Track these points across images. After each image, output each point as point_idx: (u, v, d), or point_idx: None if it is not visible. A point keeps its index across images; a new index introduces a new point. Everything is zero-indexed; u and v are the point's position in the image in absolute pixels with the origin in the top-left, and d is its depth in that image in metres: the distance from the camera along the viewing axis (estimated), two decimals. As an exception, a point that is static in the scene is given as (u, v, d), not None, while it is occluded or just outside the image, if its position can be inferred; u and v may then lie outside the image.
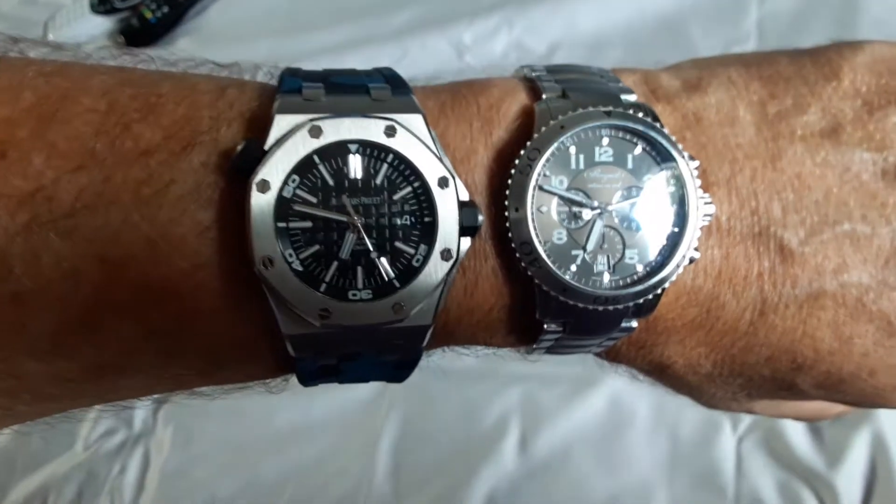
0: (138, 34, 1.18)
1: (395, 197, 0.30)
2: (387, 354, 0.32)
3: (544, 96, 0.34)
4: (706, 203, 0.33)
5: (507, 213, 0.32)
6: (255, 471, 0.84)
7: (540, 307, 0.32)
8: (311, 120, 0.30)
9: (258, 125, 0.30)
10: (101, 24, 1.19)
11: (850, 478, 0.80)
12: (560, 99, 0.33)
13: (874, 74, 0.36)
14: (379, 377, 0.34)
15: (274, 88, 0.32)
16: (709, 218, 0.33)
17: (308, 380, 0.33)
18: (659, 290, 0.32)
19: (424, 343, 0.31)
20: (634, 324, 0.34)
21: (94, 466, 0.84)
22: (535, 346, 0.35)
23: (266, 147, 0.29)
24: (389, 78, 0.33)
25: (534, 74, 0.35)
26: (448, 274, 0.30)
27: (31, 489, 0.82)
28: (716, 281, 0.34)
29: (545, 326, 0.33)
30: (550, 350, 0.35)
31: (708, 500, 0.82)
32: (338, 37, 1.14)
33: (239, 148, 0.29)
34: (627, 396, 0.85)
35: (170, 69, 0.34)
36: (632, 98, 0.34)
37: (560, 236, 0.32)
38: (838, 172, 0.35)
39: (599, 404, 0.85)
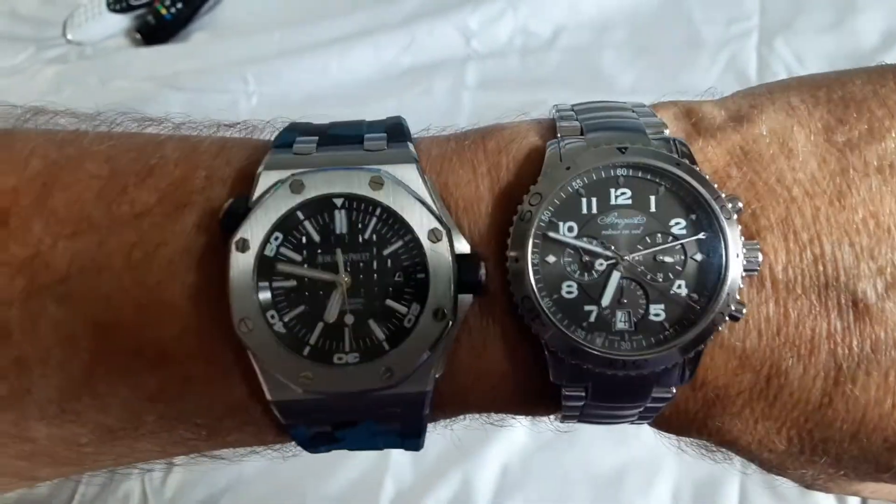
0: (154, 30, 1.17)
1: (385, 252, 0.27)
2: (385, 422, 0.28)
3: (559, 135, 0.29)
4: (752, 250, 0.27)
5: (507, 265, 0.27)
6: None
7: (552, 369, 0.28)
8: (294, 175, 0.27)
9: (248, 182, 0.28)
10: (119, 22, 1.18)
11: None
12: (576, 138, 0.29)
13: None
14: (389, 445, 0.31)
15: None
16: (756, 268, 0.27)
17: (308, 447, 0.30)
18: (691, 354, 0.27)
19: (425, 410, 0.28)
20: (674, 390, 0.28)
21: None
22: (562, 412, 0.30)
23: (250, 205, 0.27)
24: (390, 128, 0.30)
25: (556, 113, 0.30)
26: (442, 334, 0.27)
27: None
28: (773, 342, 0.28)
29: (564, 392, 0.28)
30: (583, 419, 0.30)
31: (714, 472, 0.82)
32: (347, 26, 1.12)
33: (225, 206, 0.27)
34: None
35: (176, 131, 0.33)
36: (661, 133, 0.29)
37: (570, 290, 0.28)
38: None
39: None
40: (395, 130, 0.30)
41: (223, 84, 1.10)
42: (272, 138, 0.31)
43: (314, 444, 0.30)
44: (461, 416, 0.33)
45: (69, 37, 1.18)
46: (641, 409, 0.29)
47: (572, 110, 0.31)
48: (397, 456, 0.84)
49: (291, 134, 0.30)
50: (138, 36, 1.18)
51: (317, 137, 0.29)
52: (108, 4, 1.19)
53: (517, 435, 0.86)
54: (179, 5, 1.18)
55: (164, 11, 1.18)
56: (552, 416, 0.32)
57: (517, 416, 0.33)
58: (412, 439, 0.30)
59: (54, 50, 1.16)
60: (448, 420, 0.33)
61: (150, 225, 0.28)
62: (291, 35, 1.14)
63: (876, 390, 0.28)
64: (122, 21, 1.20)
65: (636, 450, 0.83)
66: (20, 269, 0.27)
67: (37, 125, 0.33)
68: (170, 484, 0.85)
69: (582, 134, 0.29)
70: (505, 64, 1.10)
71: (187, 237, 0.28)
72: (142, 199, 0.28)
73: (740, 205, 0.28)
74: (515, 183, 0.29)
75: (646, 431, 0.81)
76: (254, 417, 0.29)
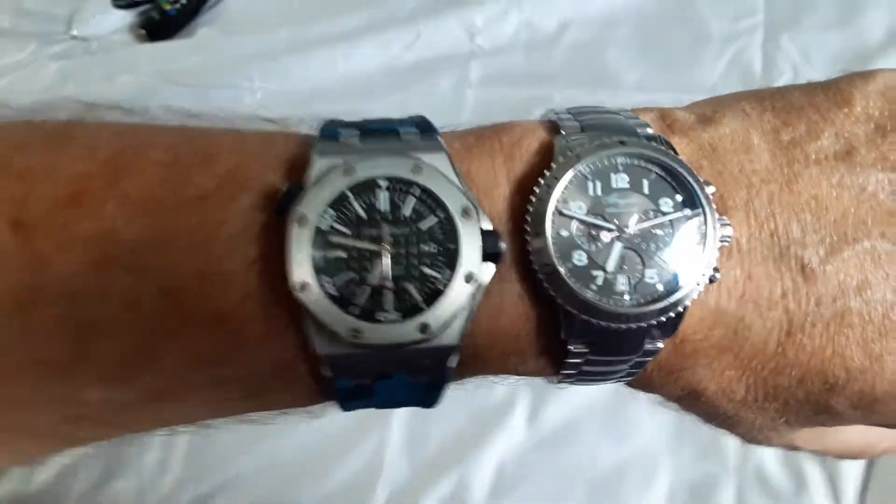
0: (159, 26, 1.19)
1: (422, 227, 0.32)
2: (417, 375, 0.33)
3: (563, 132, 0.35)
4: (724, 225, 0.33)
5: (528, 238, 0.33)
6: (275, 448, 0.86)
7: (564, 327, 0.33)
8: (345, 161, 0.32)
9: (300, 169, 0.32)
10: (123, 18, 1.20)
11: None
12: (578, 134, 0.35)
13: (886, 100, 0.37)
14: (411, 400, 0.35)
15: (314, 137, 0.34)
16: (727, 240, 0.33)
17: (345, 401, 0.34)
18: (680, 308, 0.33)
19: (452, 364, 0.32)
20: (660, 344, 0.34)
21: (120, 446, 0.85)
22: (563, 370, 0.35)
23: (305, 186, 0.32)
24: (419, 123, 0.35)
25: (555, 115, 0.36)
26: (472, 296, 0.32)
27: (60, 468, 0.84)
28: (740, 301, 0.34)
29: (571, 348, 0.34)
30: (579, 377, 0.36)
31: (712, 469, 0.83)
32: (353, 22, 1.14)
33: (283, 189, 0.32)
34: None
35: (224, 124, 0.36)
36: (648, 131, 0.35)
37: (580, 258, 0.33)
38: (854, 193, 0.35)
39: (606, 376, 0.86)
40: (425, 126, 0.35)
41: (228, 80, 1.12)
42: (310, 132, 0.35)
43: (351, 397, 0.34)
44: (475, 377, 0.37)
45: (74, 32, 1.19)
46: (632, 364, 0.35)
47: (568, 113, 0.36)
48: (392, 455, 0.85)
49: (334, 127, 0.34)
50: (143, 31, 1.19)
51: (357, 131, 0.34)
52: (113, 0, 1.18)
53: (513, 434, 0.87)
54: (184, 1, 1.19)
55: (168, 7, 1.19)
56: (553, 377, 0.37)
57: (521, 377, 0.37)
58: (435, 392, 0.34)
59: (59, 45, 1.17)
60: (463, 381, 0.37)
61: (211, 206, 0.31)
62: (296, 31, 1.16)
63: (819, 339, 0.35)
64: (127, 17, 1.21)
65: (633, 449, 0.84)
66: (94, 242, 0.30)
67: (94, 118, 0.36)
68: (164, 482, 0.85)
69: (582, 131, 0.35)
70: (509, 60, 1.11)
71: (245, 216, 0.31)
72: (203, 184, 0.32)
73: (713, 189, 0.34)
74: (528, 172, 0.34)
75: (645, 428, 0.81)
76: (299, 375, 0.33)
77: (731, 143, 0.36)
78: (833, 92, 0.38)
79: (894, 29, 1.05)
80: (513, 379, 0.37)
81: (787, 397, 0.36)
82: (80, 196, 0.31)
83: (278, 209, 0.31)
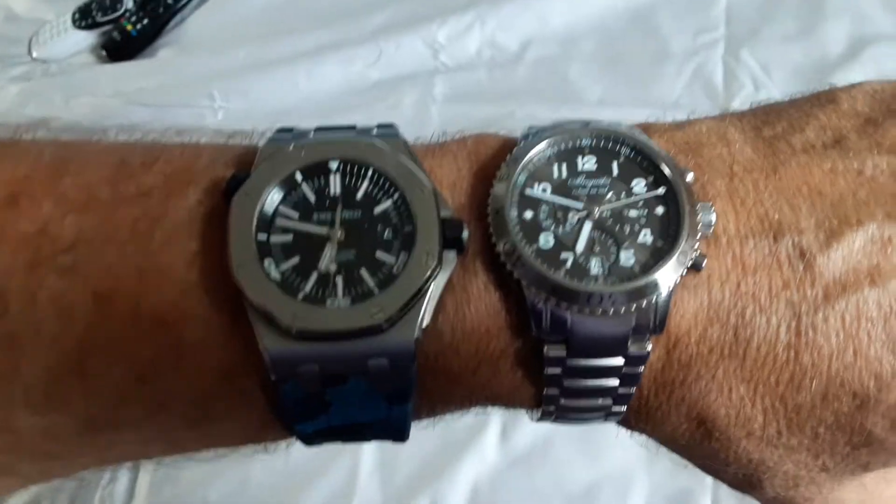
0: (120, 47, 1.16)
1: (376, 210, 0.30)
2: (374, 379, 0.29)
3: (528, 128, 0.33)
4: (705, 208, 0.30)
5: (489, 220, 0.30)
6: (244, 475, 0.83)
7: (534, 319, 0.30)
8: (295, 144, 0.30)
9: (250, 163, 0.30)
10: (84, 39, 1.17)
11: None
12: (544, 129, 0.33)
13: (872, 99, 0.34)
14: (373, 417, 0.31)
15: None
16: (711, 225, 0.30)
17: (297, 419, 0.31)
18: (662, 291, 0.29)
19: (413, 363, 0.29)
20: (648, 346, 0.30)
21: (86, 475, 0.82)
22: (544, 387, 0.31)
23: (252, 171, 0.30)
24: (382, 124, 0.33)
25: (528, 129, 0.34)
26: (429, 278, 0.29)
27: (25, 500, 0.81)
28: (735, 293, 0.30)
29: (546, 350, 0.30)
30: (563, 402, 0.32)
31: (687, 485, 0.81)
32: (314, 41, 1.12)
33: (228, 176, 0.30)
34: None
35: (178, 138, 0.34)
36: (621, 125, 0.33)
37: (547, 240, 0.30)
38: (851, 177, 0.31)
39: (579, 393, 0.84)
40: (385, 125, 0.33)
41: (189, 99, 1.10)
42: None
43: (303, 412, 0.30)
44: (448, 404, 0.33)
45: (34, 54, 1.16)
46: (621, 377, 0.31)
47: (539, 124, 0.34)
48: (365, 477, 0.83)
49: (288, 128, 0.32)
50: (104, 52, 1.16)
51: (314, 127, 0.32)
52: (74, 21, 1.17)
53: (486, 454, 0.85)
54: (145, 21, 1.18)
55: (129, 28, 1.17)
56: (533, 411, 0.33)
57: (499, 403, 0.34)
58: (398, 404, 0.30)
59: (18, 68, 1.14)
60: (436, 410, 0.34)
61: (155, 200, 0.29)
62: (258, 51, 1.14)
63: (836, 337, 0.30)
64: (88, 38, 1.19)
65: (607, 466, 0.83)
66: (26, 243, 0.28)
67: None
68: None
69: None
70: (473, 77, 1.10)
71: (190, 210, 0.29)
72: (148, 182, 0.30)
73: (691, 175, 0.31)
74: (493, 165, 0.32)
75: (619, 446, 0.79)
76: (245, 390, 0.30)
77: (707, 138, 0.33)
78: (816, 95, 0.35)
79: (855, 41, 1.05)
80: (492, 408, 0.34)
81: (815, 424, 0.31)
82: (18, 197, 0.29)
83: (225, 196, 0.29)
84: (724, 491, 0.80)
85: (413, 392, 0.30)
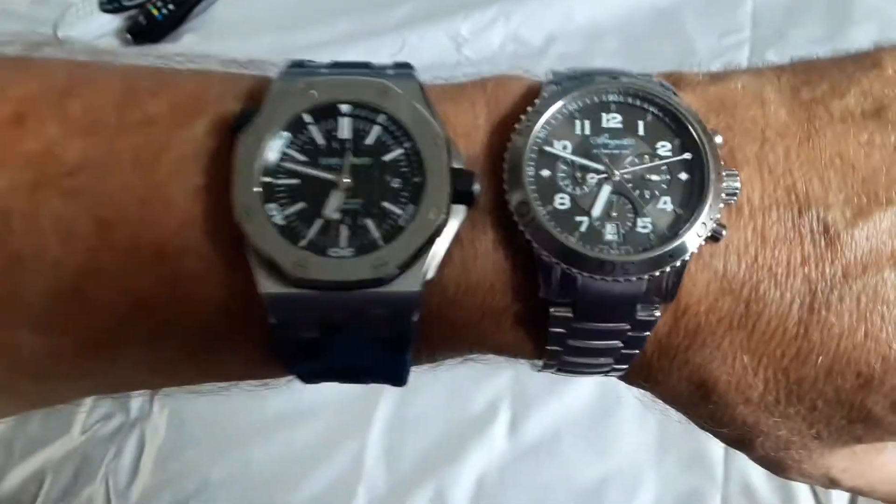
0: (145, 31, 1.16)
1: (385, 158, 0.29)
2: (373, 328, 0.29)
3: (552, 76, 0.31)
4: (730, 176, 0.29)
5: (504, 176, 0.29)
6: (248, 455, 0.82)
7: (542, 282, 0.29)
8: (306, 83, 0.29)
9: (262, 96, 0.29)
10: (110, 22, 1.18)
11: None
12: (569, 78, 0.31)
13: None
14: (372, 366, 0.31)
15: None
16: (735, 192, 0.29)
17: (294, 362, 0.30)
18: (677, 263, 0.28)
19: (414, 316, 0.28)
20: (657, 313, 0.29)
21: (90, 450, 0.82)
22: (547, 344, 0.31)
23: (261, 109, 0.29)
24: (398, 63, 0.32)
25: (552, 73, 0.32)
26: (435, 233, 0.28)
27: (29, 473, 0.81)
28: (752, 266, 0.29)
29: (552, 310, 0.29)
30: (566, 357, 0.31)
31: (697, 482, 0.80)
32: (338, 30, 1.12)
33: (237, 110, 0.29)
34: (617, 380, 0.82)
35: (190, 65, 0.34)
36: (651, 78, 0.31)
37: (563, 201, 0.29)
38: (888, 152, 0.30)
39: (589, 387, 0.83)
40: (402, 64, 0.31)
41: (211, 85, 1.07)
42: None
43: (300, 357, 0.30)
44: (450, 352, 0.33)
45: (60, 35, 1.15)
46: (625, 339, 0.30)
47: (568, 69, 0.33)
48: (371, 463, 0.82)
49: (302, 61, 0.31)
50: (129, 36, 1.16)
51: (327, 63, 0.31)
52: (100, 4, 1.18)
53: (493, 445, 0.84)
54: (171, 6, 1.17)
55: (155, 12, 1.16)
56: (536, 359, 0.32)
57: (501, 354, 0.33)
58: (398, 354, 0.30)
59: (44, 48, 1.12)
60: (437, 357, 0.33)
61: (160, 130, 0.29)
62: (282, 39, 1.14)
63: (848, 317, 0.29)
64: (114, 21, 1.19)
65: (616, 462, 0.81)
66: (30, 162, 0.28)
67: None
68: (135, 488, 0.81)
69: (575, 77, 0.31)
70: (496, 71, 1.06)
71: (196, 143, 0.29)
72: (153, 109, 0.29)
73: (720, 138, 0.30)
74: (511, 114, 0.31)
75: (628, 441, 0.78)
76: (243, 326, 0.29)
77: (742, 97, 0.31)
78: (861, 57, 0.33)
79: (881, 44, 1.03)
80: (493, 356, 0.33)
81: (815, 396, 0.30)
82: (24, 116, 0.28)
83: (232, 132, 0.28)
84: (734, 489, 0.80)
85: (411, 342, 0.29)
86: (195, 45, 1.16)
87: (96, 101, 0.29)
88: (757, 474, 0.80)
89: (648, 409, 0.80)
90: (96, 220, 0.28)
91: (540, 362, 0.32)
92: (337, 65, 0.31)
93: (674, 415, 0.80)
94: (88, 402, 0.84)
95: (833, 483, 0.36)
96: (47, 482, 0.82)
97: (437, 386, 0.85)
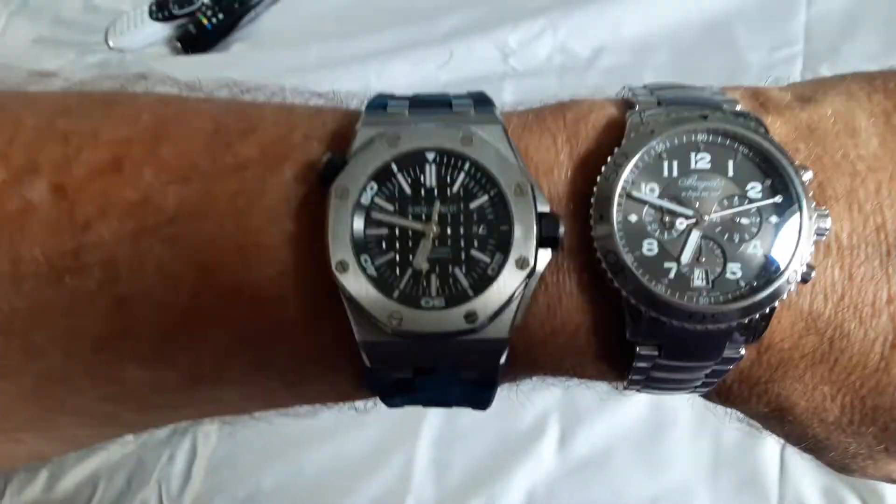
0: (195, 40, 1.18)
1: (472, 205, 0.29)
2: (463, 370, 0.29)
3: (637, 107, 0.30)
4: (821, 216, 0.28)
5: (591, 223, 0.28)
6: (299, 463, 0.83)
7: (630, 325, 0.29)
8: (391, 131, 0.29)
9: (345, 141, 0.30)
10: (160, 31, 1.19)
11: (897, 485, 0.76)
12: (654, 108, 0.30)
13: None
14: (460, 399, 0.31)
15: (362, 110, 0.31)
16: (825, 233, 0.28)
17: (386, 395, 0.31)
18: (766, 309, 0.28)
19: (501, 360, 0.29)
20: (742, 351, 0.29)
21: (144, 456, 0.83)
22: (629, 374, 0.31)
23: (348, 157, 0.29)
24: (474, 95, 0.32)
25: (629, 92, 0.32)
26: (524, 283, 0.28)
27: (83, 477, 0.82)
28: (838, 306, 0.29)
29: (639, 350, 0.29)
30: (647, 383, 0.31)
31: (748, 501, 0.79)
32: (386, 41, 1.12)
33: (324, 159, 0.29)
34: (670, 398, 0.82)
35: (272, 98, 0.35)
36: (737, 107, 0.30)
37: (651, 247, 0.28)
38: None
39: (641, 404, 0.82)
40: (481, 98, 0.31)
41: (261, 94, 1.07)
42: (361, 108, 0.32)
43: (391, 392, 0.31)
44: (530, 377, 0.34)
45: (111, 44, 1.18)
46: (708, 372, 0.30)
47: (645, 88, 0.32)
48: (420, 475, 0.82)
49: (383, 99, 0.31)
50: (178, 45, 1.17)
51: (407, 101, 0.31)
52: (151, 13, 1.19)
53: (543, 460, 0.83)
54: (221, 16, 1.18)
55: (205, 21, 1.18)
56: (616, 382, 0.33)
57: (582, 380, 0.33)
58: (485, 391, 0.31)
59: (95, 56, 1.15)
60: (517, 381, 0.34)
61: (252, 176, 0.29)
62: (330, 48, 1.14)
63: None
64: (164, 30, 1.20)
65: (669, 481, 0.80)
66: (131, 212, 0.29)
67: (141, 90, 0.35)
68: (187, 494, 0.81)
69: (659, 105, 0.30)
70: (543, 82, 1.08)
71: (287, 188, 0.29)
72: (244, 153, 0.30)
73: (811, 174, 0.29)
74: (594, 150, 0.30)
75: (681, 460, 0.77)
76: (338, 364, 0.30)
77: (833, 124, 0.31)
78: None
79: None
80: (574, 381, 0.33)
81: (888, 421, 0.31)
82: (120, 162, 0.29)
83: (320, 181, 0.29)
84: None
85: (498, 381, 0.30)
86: (244, 53, 1.17)
87: (188, 145, 0.30)
88: (813, 496, 0.79)
89: (702, 428, 0.79)
90: (197, 266, 0.29)
91: (621, 384, 0.33)
92: (418, 101, 0.31)
93: (727, 436, 0.79)
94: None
95: (893, 479, 0.37)
96: (101, 486, 0.83)
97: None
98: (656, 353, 0.29)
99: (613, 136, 0.30)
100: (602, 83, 1.06)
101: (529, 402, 0.84)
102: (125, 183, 0.29)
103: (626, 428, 0.83)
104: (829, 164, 0.30)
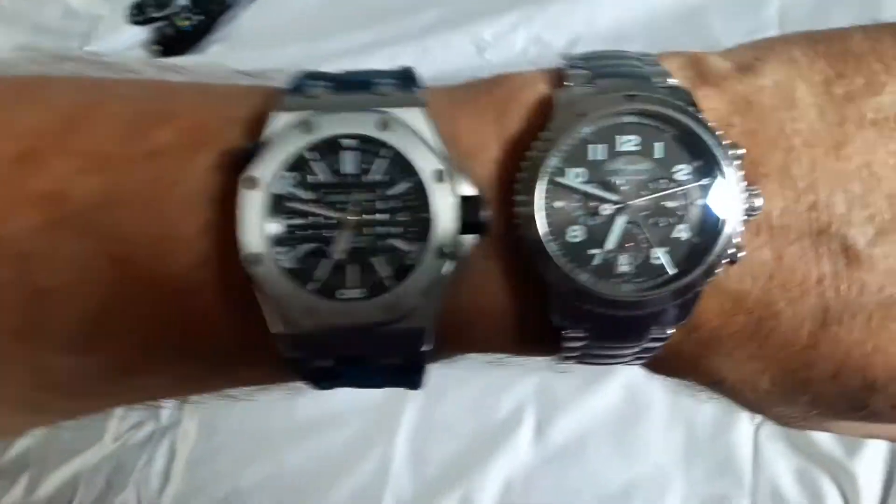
0: (173, 42, 1.18)
1: (390, 193, 0.28)
2: (385, 359, 0.29)
3: (566, 83, 0.29)
4: (752, 195, 0.27)
5: (516, 209, 0.28)
6: (278, 461, 0.83)
7: (554, 311, 0.28)
8: (306, 117, 0.28)
9: (262, 125, 0.29)
10: (138, 34, 1.19)
11: (870, 466, 0.76)
12: (584, 86, 0.29)
13: None
14: (388, 382, 0.31)
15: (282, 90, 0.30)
16: (756, 212, 0.28)
17: (311, 381, 0.30)
18: (690, 295, 0.27)
19: (424, 347, 0.28)
20: (670, 331, 0.29)
21: (123, 458, 0.83)
22: (562, 354, 0.30)
23: (260, 144, 0.28)
24: (401, 74, 0.30)
25: (563, 63, 0.31)
26: (444, 272, 0.27)
27: (63, 480, 0.82)
28: (766, 286, 0.28)
29: (566, 333, 0.29)
30: (580, 360, 0.31)
31: (725, 488, 0.79)
32: (362, 38, 1.12)
33: (235, 147, 0.28)
34: (643, 385, 0.82)
35: (199, 79, 0.33)
36: (668, 81, 0.29)
37: (575, 234, 0.28)
38: None
39: (615, 393, 0.82)
40: (405, 76, 0.30)
41: (238, 93, 1.08)
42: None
43: (318, 378, 0.30)
44: (461, 355, 0.33)
45: (89, 48, 1.16)
46: (638, 350, 0.30)
47: (580, 58, 0.31)
48: (398, 469, 0.82)
49: (302, 79, 0.30)
50: (157, 47, 1.16)
51: (330, 83, 0.30)
52: (129, 16, 1.18)
53: (519, 450, 0.83)
54: (198, 18, 1.17)
55: (182, 24, 1.18)
56: (549, 358, 0.32)
57: (514, 356, 0.33)
58: (413, 376, 0.30)
59: (74, 61, 1.13)
60: (447, 359, 0.33)
61: (166, 164, 0.28)
62: (307, 47, 1.14)
63: (859, 332, 0.29)
64: (142, 33, 1.20)
65: (642, 467, 0.80)
66: (40, 203, 0.28)
67: (63, 71, 0.33)
68: (167, 494, 0.82)
69: (590, 82, 0.29)
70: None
71: (203, 177, 0.28)
72: (159, 140, 0.29)
73: (742, 152, 0.28)
74: (523, 130, 0.29)
75: (655, 447, 0.77)
76: (263, 352, 0.29)
77: (771, 97, 0.30)
78: None
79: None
80: (517, 359, 0.33)
81: (819, 391, 0.30)
82: (32, 152, 0.28)
83: (235, 170, 0.28)
84: (763, 495, 0.78)
85: (424, 366, 0.29)
86: (222, 54, 1.17)
87: (102, 133, 0.29)
88: (786, 479, 0.79)
89: (676, 414, 0.79)
90: (112, 257, 0.28)
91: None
92: (341, 81, 0.30)
93: (701, 421, 0.79)
94: (119, 410, 0.85)
95: (830, 432, 0.37)
96: (81, 489, 0.83)
97: (463, 391, 0.85)
98: (584, 335, 0.29)
99: (543, 115, 0.29)
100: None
101: (505, 393, 0.84)
102: (36, 174, 0.28)
103: (601, 416, 0.83)
104: (764, 140, 0.29)
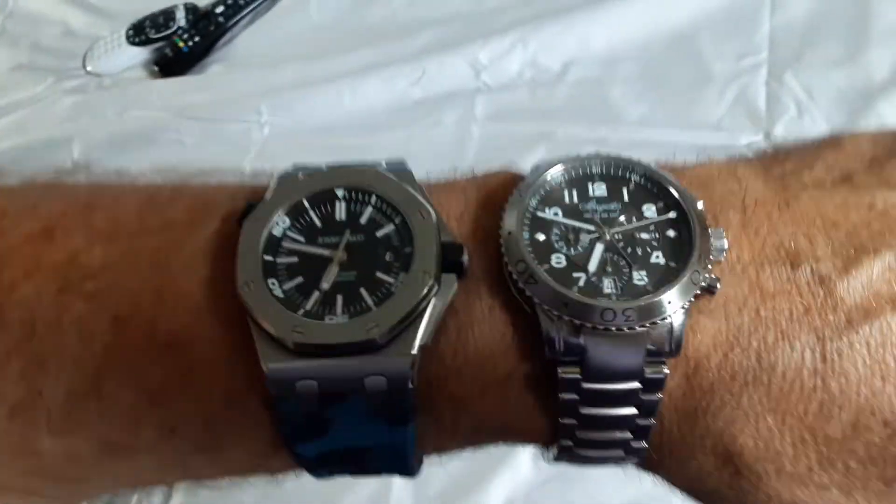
0: (172, 63, 1.18)
1: (378, 234, 0.31)
2: (371, 398, 0.29)
3: (538, 166, 0.33)
4: (716, 235, 0.30)
5: (501, 241, 0.30)
6: (278, 481, 0.83)
7: (546, 340, 0.29)
8: (305, 174, 0.32)
9: (264, 193, 0.31)
10: (137, 55, 1.19)
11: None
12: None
13: (875, 142, 0.34)
14: (374, 439, 0.31)
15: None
16: (723, 251, 0.29)
17: (298, 439, 0.30)
18: (676, 310, 0.28)
19: (409, 383, 0.28)
20: (665, 369, 0.29)
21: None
22: (559, 416, 0.30)
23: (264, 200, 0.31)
24: (389, 160, 0.33)
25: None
26: (426, 294, 0.29)
27: None
28: (755, 319, 0.29)
29: (560, 372, 0.29)
30: (579, 436, 0.31)
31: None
32: (359, 60, 1.13)
33: (243, 205, 0.31)
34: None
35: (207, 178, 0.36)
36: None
37: (559, 260, 0.30)
38: (863, 211, 0.30)
39: (616, 411, 0.83)
40: (394, 160, 0.33)
41: (237, 115, 1.11)
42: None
43: (304, 432, 0.30)
44: (454, 437, 0.33)
45: (89, 68, 1.19)
46: (639, 402, 0.30)
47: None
48: (398, 490, 0.81)
49: (297, 168, 0.33)
50: (156, 68, 1.18)
51: (323, 166, 0.33)
52: (128, 37, 1.19)
53: (520, 469, 0.83)
54: (197, 39, 1.19)
55: (181, 45, 1.18)
56: (546, 447, 0.33)
57: (509, 442, 0.33)
58: (399, 426, 0.30)
59: (73, 81, 1.16)
60: (441, 446, 0.33)
61: (175, 233, 0.31)
62: (304, 68, 1.15)
63: (862, 363, 0.29)
64: (141, 53, 1.20)
65: (646, 486, 0.78)
66: (56, 270, 0.30)
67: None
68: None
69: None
70: (514, 97, 1.09)
71: (207, 240, 0.30)
72: (172, 215, 0.31)
73: (701, 203, 0.31)
74: (501, 195, 0.31)
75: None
76: (250, 409, 0.30)
77: (718, 174, 0.33)
78: (821, 139, 0.35)
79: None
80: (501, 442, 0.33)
81: (846, 457, 0.29)
82: (53, 230, 0.31)
83: (239, 224, 0.30)
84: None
85: (412, 414, 0.30)
86: (220, 75, 1.18)
87: (119, 211, 0.31)
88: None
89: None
90: (112, 317, 0.29)
91: (554, 449, 0.32)
92: (334, 164, 0.33)
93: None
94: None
95: None
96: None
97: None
98: (578, 375, 0.30)
99: (517, 183, 0.32)
100: (573, 96, 1.07)
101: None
102: (55, 246, 0.30)
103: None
104: (718, 201, 0.31)
